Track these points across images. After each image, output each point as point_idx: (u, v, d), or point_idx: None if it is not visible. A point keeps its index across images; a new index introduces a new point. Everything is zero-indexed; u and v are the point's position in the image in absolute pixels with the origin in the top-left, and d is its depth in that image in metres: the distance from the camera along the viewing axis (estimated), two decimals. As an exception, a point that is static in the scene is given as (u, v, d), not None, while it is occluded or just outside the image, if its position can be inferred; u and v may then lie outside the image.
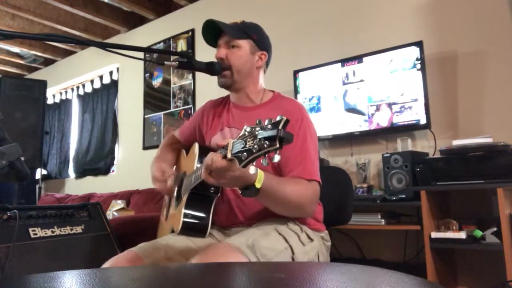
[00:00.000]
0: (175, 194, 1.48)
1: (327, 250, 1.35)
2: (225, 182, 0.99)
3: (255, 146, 0.82)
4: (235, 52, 1.34)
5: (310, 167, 1.22)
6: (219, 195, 1.30)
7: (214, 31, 1.36)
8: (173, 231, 1.37)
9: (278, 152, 0.81)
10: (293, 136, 0.82)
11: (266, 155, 0.82)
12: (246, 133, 0.86)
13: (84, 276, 0.70)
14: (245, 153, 0.84)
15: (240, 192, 1.04)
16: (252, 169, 0.88)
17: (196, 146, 1.39)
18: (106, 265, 1.20)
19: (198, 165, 1.30)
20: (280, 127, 0.79)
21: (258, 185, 1.01)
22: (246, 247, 1.07)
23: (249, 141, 0.84)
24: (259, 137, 0.82)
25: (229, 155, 0.89)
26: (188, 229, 1.28)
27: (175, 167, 1.58)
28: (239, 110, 1.41)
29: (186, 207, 1.27)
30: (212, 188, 1.27)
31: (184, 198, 1.30)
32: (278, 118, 0.81)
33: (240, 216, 1.30)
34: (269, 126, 0.81)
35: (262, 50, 1.38)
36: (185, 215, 1.27)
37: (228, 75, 1.35)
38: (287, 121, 0.80)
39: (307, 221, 1.30)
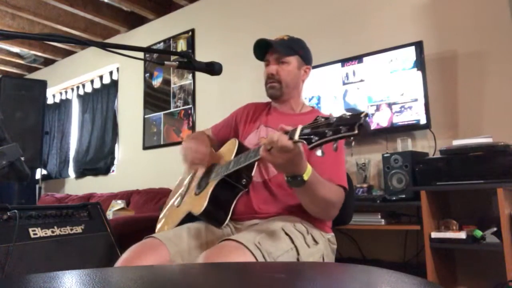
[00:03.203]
0: (195, 183, 1.49)
1: (333, 253, 1.36)
2: (280, 163, 1.01)
3: (330, 131, 0.85)
4: (284, 68, 1.45)
5: (341, 173, 1.31)
6: (247, 189, 1.33)
7: (261, 47, 1.47)
8: (185, 218, 1.39)
9: (352, 138, 0.83)
10: (370, 127, 0.84)
11: (338, 141, 0.85)
12: (319, 121, 0.89)
13: (84, 276, 0.70)
14: (316, 137, 0.87)
15: (286, 179, 1.07)
16: (319, 152, 0.90)
17: (236, 141, 1.43)
18: (127, 252, 1.22)
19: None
20: (362, 116, 0.82)
21: (306, 177, 1.05)
22: (252, 244, 1.08)
23: (322, 127, 0.87)
24: (335, 123, 0.85)
25: (296, 138, 0.92)
26: (208, 215, 1.29)
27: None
28: (278, 114, 1.51)
29: (213, 192, 1.28)
30: (244, 180, 1.31)
31: (213, 183, 1.31)
32: (358, 111, 0.86)
33: (256, 209, 1.33)
34: (348, 116, 0.84)
35: (307, 65, 1.51)
36: (211, 200, 1.27)
37: (277, 87, 1.46)
38: (367, 114, 0.83)
39: (315, 222, 1.31)
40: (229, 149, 1.42)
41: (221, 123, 1.67)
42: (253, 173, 1.35)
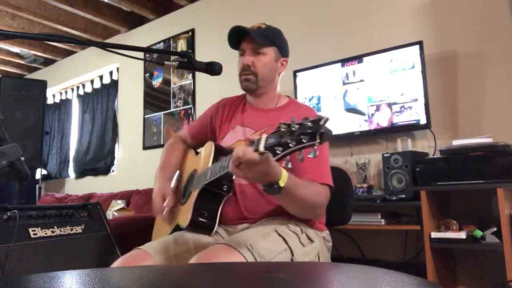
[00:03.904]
0: (182, 190, 1.47)
1: (329, 251, 1.35)
2: (252, 176, 0.98)
3: (292, 141, 0.83)
4: (261, 59, 1.38)
5: (324, 171, 1.26)
6: (230, 194, 1.30)
7: (236, 35, 1.39)
8: (175, 229, 1.37)
9: (316, 147, 0.82)
10: (331, 133, 0.82)
11: (302, 151, 0.83)
12: (282, 129, 0.87)
13: (84, 276, 0.70)
14: (280, 148, 0.85)
15: (262, 188, 1.05)
16: (287, 164, 0.89)
17: (211, 145, 1.38)
18: (115, 264, 1.20)
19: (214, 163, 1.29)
20: (321, 123, 0.81)
21: (281, 183, 1.02)
22: (244, 247, 1.07)
23: (285, 136, 0.85)
24: (297, 132, 0.83)
25: (261, 149, 0.89)
26: (195, 226, 1.27)
27: (175, 182, 1.57)
28: (254, 111, 1.45)
29: (196, 203, 1.27)
30: (225, 186, 1.28)
31: (195, 193, 1.29)
32: (317, 117, 0.82)
33: (245, 213, 1.31)
34: (309, 123, 0.82)
35: (284, 57, 1.44)
36: (195, 210, 1.26)
37: (253, 80, 1.39)
38: (327, 120, 0.81)
39: (308, 221, 1.30)
40: (206, 154, 1.38)
41: (196, 123, 1.59)
42: (234, 177, 1.30)
